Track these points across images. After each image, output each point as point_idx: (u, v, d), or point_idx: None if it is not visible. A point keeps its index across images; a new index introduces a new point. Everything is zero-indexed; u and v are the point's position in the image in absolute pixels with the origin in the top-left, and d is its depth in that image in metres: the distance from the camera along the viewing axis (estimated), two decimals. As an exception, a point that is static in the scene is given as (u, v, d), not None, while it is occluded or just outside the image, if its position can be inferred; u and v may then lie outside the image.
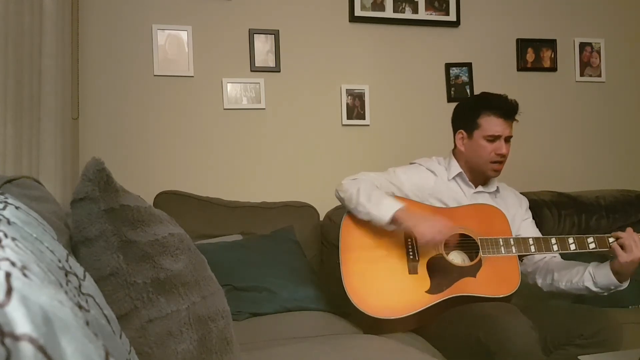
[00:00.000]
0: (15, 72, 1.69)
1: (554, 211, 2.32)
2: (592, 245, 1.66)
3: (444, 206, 1.81)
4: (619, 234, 1.63)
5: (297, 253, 2.01)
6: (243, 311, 1.71)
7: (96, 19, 2.22)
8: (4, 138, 1.64)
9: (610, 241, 1.64)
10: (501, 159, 1.80)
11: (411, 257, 1.68)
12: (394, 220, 1.62)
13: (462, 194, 1.85)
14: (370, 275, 1.66)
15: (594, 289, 1.66)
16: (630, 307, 2.01)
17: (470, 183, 1.86)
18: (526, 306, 1.73)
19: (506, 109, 1.78)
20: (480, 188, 1.88)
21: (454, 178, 1.86)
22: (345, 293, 1.63)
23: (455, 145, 1.92)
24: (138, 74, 2.26)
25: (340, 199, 1.77)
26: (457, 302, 1.62)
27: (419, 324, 1.66)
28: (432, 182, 1.85)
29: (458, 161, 1.88)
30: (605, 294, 1.68)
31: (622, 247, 1.60)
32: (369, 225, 1.70)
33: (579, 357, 1.37)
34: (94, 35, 2.22)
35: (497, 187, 1.91)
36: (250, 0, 2.38)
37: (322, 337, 1.51)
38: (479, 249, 1.68)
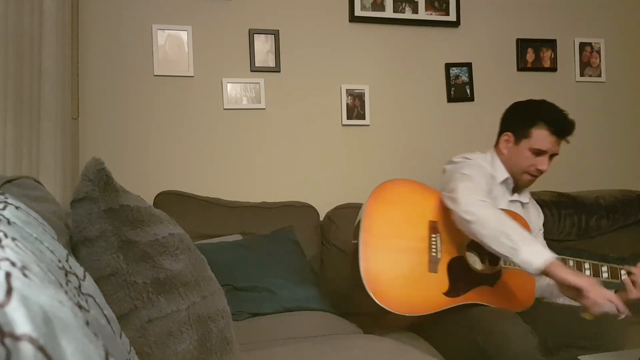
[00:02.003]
0: (15, 72, 1.69)
1: (554, 211, 2.32)
2: (605, 275, 1.59)
3: None
4: (632, 269, 1.56)
5: (297, 253, 2.01)
6: (243, 311, 1.71)
7: (96, 19, 2.22)
8: (4, 138, 1.64)
9: (622, 273, 1.58)
10: (538, 174, 1.76)
11: (434, 254, 1.62)
12: (544, 270, 1.41)
13: (504, 201, 1.80)
14: (389, 265, 1.58)
15: None
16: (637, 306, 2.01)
17: (510, 190, 1.82)
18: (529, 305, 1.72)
19: (563, 127, 1.72)
20: (515, 196, 1.83)
21: (500, 183, 1.80)
22: (360, 278, 1.54)
23: (496, 144, 1.85)
24: (138, 74, 2.26)
25: (466, 221, 1.53)
26: (466, 306, 1.59)
27: (421, 320, 1.63)
28: (493, 187, 1.76)
29: (502, 163, 1.82)
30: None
31: (633, 283, 1.53)
32: (396, 213, 1.64)
33: (579, 357, 1.37)
34: (94, 35, 2.22)
35: (529, 200, 1.87)
36: (250, 0, 2.38)
37: (322, 337, 1.51)
38: (499, 258, 1.64)
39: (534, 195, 2.33)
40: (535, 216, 1.90)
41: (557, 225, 2.30)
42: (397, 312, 1.53)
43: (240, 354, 0.92)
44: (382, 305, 1.52)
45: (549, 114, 1.73)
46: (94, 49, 2.22)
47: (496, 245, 1.47)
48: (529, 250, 1.42)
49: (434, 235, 1.64)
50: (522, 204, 1.84)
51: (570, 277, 1.37)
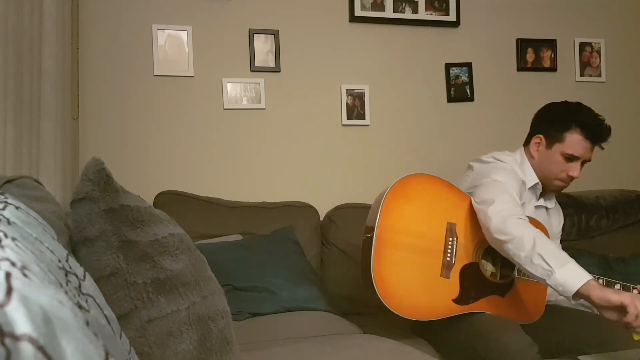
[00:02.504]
0: (15, 72, 1.69)
1: (554, 211, 2.32)
2: None
3: None
4: None
5: (297, 253, 2.01)
6: (243, 311, 1.71)
7: (96, 19, 2.22)
8: (4, 138, 1.64)
9: (634, 293, 1.51)
10: (569, 181, 1.70)
11: (448, 258, 1.58)
12: (580, 292, 1.32)
13: (531, 206, 1.76)
14: (401, 267, 1.54)
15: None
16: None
17: (537, 195, 1.77)
18: None
19: (599, 133, 1.65)
20: (542, 201, 1.79)
21: (528, 188, 1.74)
22: (370, 275, 1.50)
23: (525, 144, 1.80)
24: (138, 74, 2.26)
25: (500, 241, 1.47)
26: (470, 313, 1.57)
27: (424, 324, 1.62)
28: (523, 193, 1.70)
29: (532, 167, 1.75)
30: None
31: None
32: (414, 211, 1.58)
33: (578, 357, 1.37)
34: (94, 35, 2.22)
35: (555, 204, 1.82)
36: (250, 0, 2.38)
37: (322, 337, 1.51)
38: (514, 267, 1.62)
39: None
40: (557, 221, 1.86)
41: (557, 225, 2.30)
42: (404, 316, 1.51)
43: (240, 354, 0.92)
44: (390, 309, 1.50)
45: (584, 118, 1.66)
46: (94, 49, 2.22)
47: (530, 267, 1.40)
48: (563, 273, 1.35)
49: (450, 239, 1.59)
50: (547, 209, 1.80)
51: (611, 295, 1.28)
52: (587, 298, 1.32)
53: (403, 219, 1.57)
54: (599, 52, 2.78)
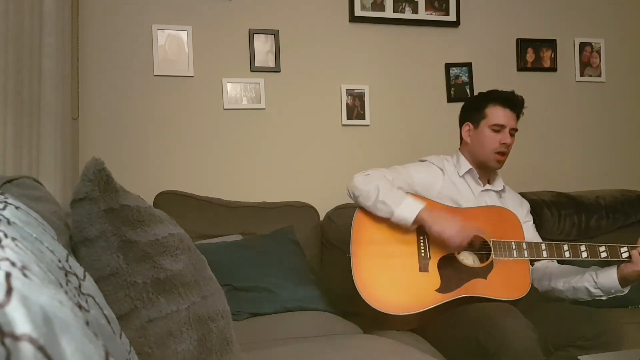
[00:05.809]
0: (15, 72, 1.69)
1: (553, 211, 2.32)
2: (603, 255, 1.63)
3: (453, 204, 1.81)
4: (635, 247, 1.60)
5: (297, 253, 2.01)
6: (243, 311, 1.71)
7: (96, 19, 2.22)
8: (4, 138, 1.64)
9: (622, 251, 1.61)
10: (505, 149, 1.83)
11: (422, 254, 1.69)
12: (416, 220, 1.64)
13: (470, 192, 1.86)
14: (380, 270, 1.66)
15: (593, 290, 1.65)
16: (630, 307, 2.01)
17: (479, 180, 1.88)
18: (527, 306, 1.72)
19: (512, 101, 1.83)
20: (488, 186, 1.89)
21: (463, 175, 1.88)
22: (354, 286, 1.63)
23: (461, 141, 1.94)
24: (138, 74, 2.26)
25: (354, 196, 1.75)
26: (464, 301, 1.62)
27: (423, 322, 1.66)
28: (441, 180, 1.86)
29: (466, 157, 1.90)
30: (604, 297, 1.67)
31: None
32: (381, 221, 1.71)
33: (578, 357, 1.37)
34: (94, 35, 2.22)
35: (504, 187, 1.93)
36: (250, 0, 2.38)
37: (322, 337, 1.51)
38: (490, 251, 1.67)
39: (533, 194, 2.34)
40: (516, 205, 1.91)
41: (557, 225, 2.30)
42: (393, 313, 1.59)
43: (240, 354, 0.92)
44: (377, 309, 1.59)
45: (497, 93, 1.86)
46: (94, 49, 2.22)
47: (378, 212, 1.69)
48: (401, 209, 1.65)
49: (421, 237, 1.71)
50: (497, 192, 1.90)
51: (434, 227, 1.62)
52: (422, 224, 1.64)
53: (374, 231, 1.72)
54: (599, 52, 2.78)
